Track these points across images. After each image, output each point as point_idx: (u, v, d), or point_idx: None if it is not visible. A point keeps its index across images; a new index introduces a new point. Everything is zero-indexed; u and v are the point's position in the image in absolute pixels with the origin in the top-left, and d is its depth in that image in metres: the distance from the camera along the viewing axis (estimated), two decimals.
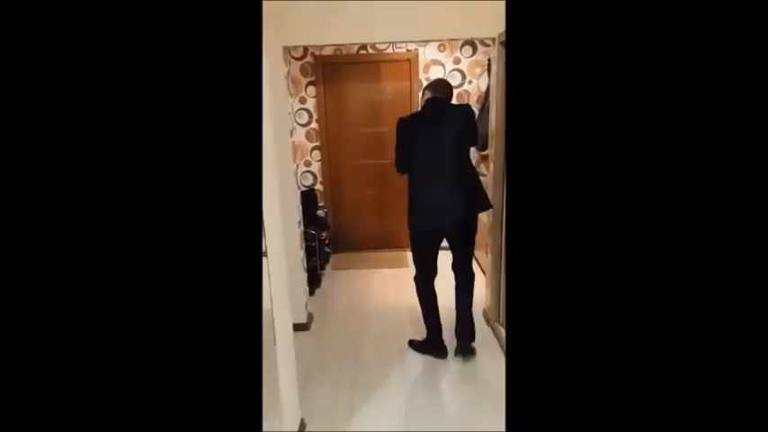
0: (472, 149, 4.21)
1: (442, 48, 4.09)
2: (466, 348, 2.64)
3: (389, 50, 4.11)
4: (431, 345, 2.71)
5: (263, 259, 1.77)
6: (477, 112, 4.12)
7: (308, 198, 4.10)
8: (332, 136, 4.30)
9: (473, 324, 2.65)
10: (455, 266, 2.62)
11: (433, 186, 2.41)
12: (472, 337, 2.66)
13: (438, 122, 2.38)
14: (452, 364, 2.64)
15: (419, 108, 2.82)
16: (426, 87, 2.57)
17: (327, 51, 4.09)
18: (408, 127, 2.45)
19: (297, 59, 4.09)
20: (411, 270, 4.02)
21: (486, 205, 2.54)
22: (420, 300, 2.69)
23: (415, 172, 2.46)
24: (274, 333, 1.83)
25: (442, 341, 2.69)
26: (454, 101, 3.83)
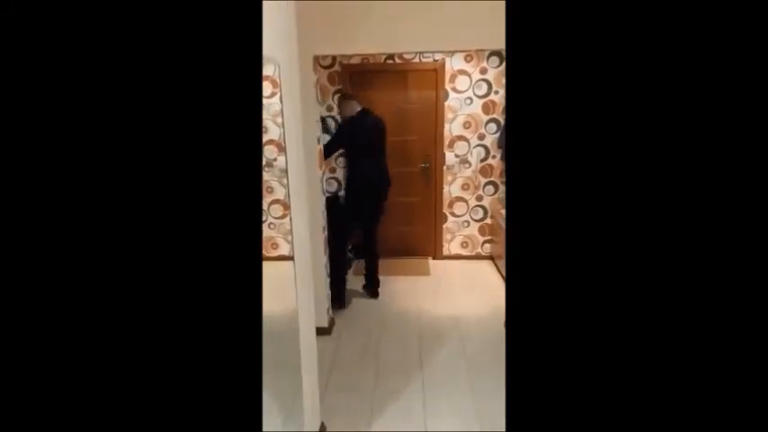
0: (498, 159, 4.21)
1: (468, 58, 4.11)
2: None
3: (416, 60, 4.14)
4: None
5: (291, 263, 1.80)
6: (503, 122, 4.13)
7: (333, 204, 4.14)
8: None
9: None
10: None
11: None
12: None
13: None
14: (474, 373, 2.64)
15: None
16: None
17: (355, 60, 4.15)
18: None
19: (325, 68, 4.16)
20: (434, 278, 4.03)
21: None
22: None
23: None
24: (299, 336, 1.87)
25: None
26: (474, 111, 3.90)
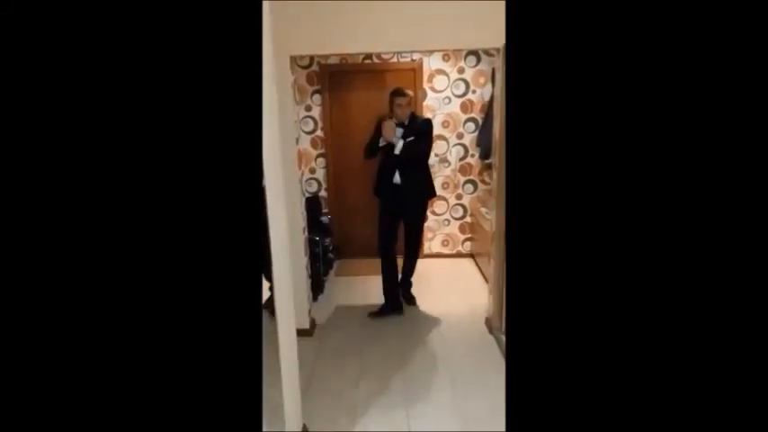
0: (476, 158, 4.24)
1: (446, 57, 4.13)
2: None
3: (394, 60, 4.14)
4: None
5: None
6: (480, 121, 4.17)
7: (313, 204, 4.12)
8: (336, 144, 4.32)
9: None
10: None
11: None
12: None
13: None
14: (456, 372, 2.65)
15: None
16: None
17: (333, 60, 4.13)
18: None
19: (303, 68, 4.13)
20: (415, 277, 4.03)
21: None
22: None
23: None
24: (278, 338, 1.85)
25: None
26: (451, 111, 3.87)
